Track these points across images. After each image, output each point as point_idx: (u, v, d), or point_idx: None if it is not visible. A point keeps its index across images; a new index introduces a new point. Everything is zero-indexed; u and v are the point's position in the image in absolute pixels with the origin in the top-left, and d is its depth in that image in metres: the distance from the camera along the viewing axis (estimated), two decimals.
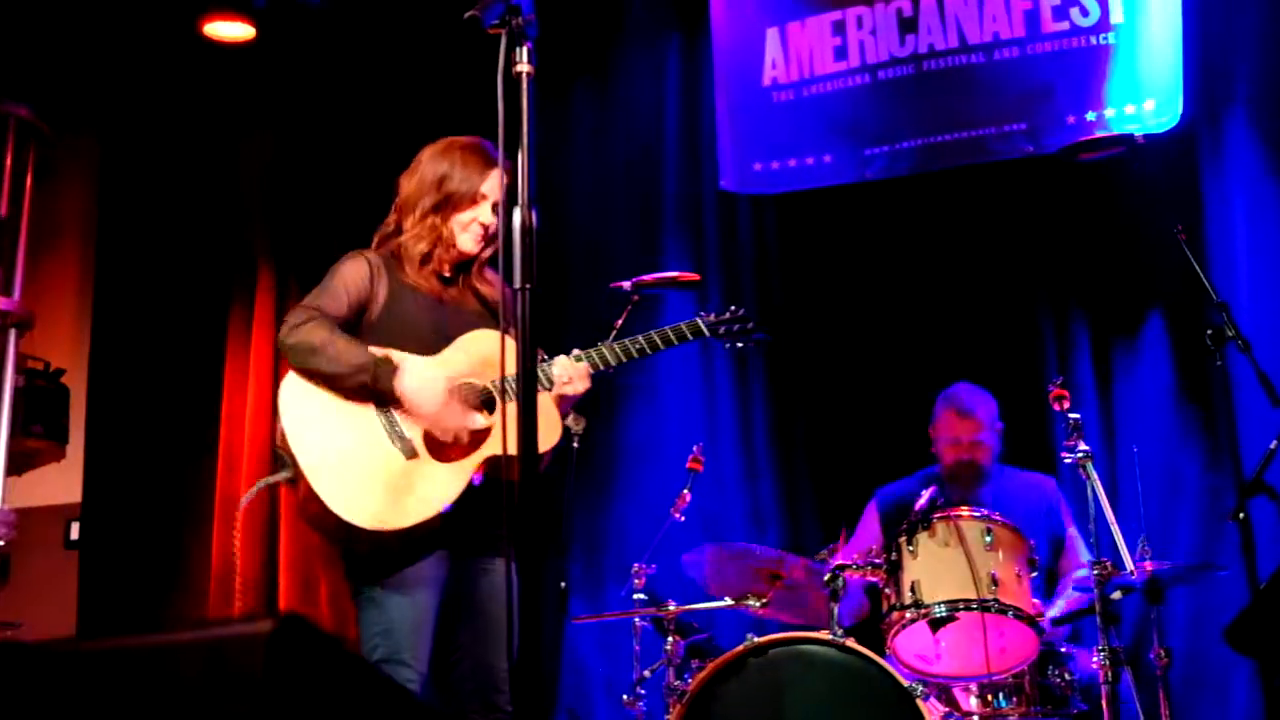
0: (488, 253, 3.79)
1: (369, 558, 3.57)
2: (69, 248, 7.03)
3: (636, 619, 4.81)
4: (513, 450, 3.34)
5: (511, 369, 3.43)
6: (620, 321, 4.48)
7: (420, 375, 3.54)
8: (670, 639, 4.67)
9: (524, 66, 2.62)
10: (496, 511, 3.52)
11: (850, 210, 5.99)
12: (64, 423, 6.57)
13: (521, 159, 2.57)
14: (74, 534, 6.71)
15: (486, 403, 3.59)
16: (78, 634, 6.34)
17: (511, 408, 3.45)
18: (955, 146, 5.78)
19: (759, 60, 6.13)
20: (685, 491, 4.86)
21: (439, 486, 3.53)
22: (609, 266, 5.83)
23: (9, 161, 6.36)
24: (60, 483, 6.69)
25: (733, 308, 3.95)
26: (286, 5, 6.45)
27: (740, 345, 3.96)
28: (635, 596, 4.79)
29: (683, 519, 4.87)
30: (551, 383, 3.62)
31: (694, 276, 4.46)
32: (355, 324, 3.67)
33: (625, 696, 4.75)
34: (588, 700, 5.86)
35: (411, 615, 3.53)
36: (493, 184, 3.70)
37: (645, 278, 4.28)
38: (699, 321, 3.85)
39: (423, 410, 3.53)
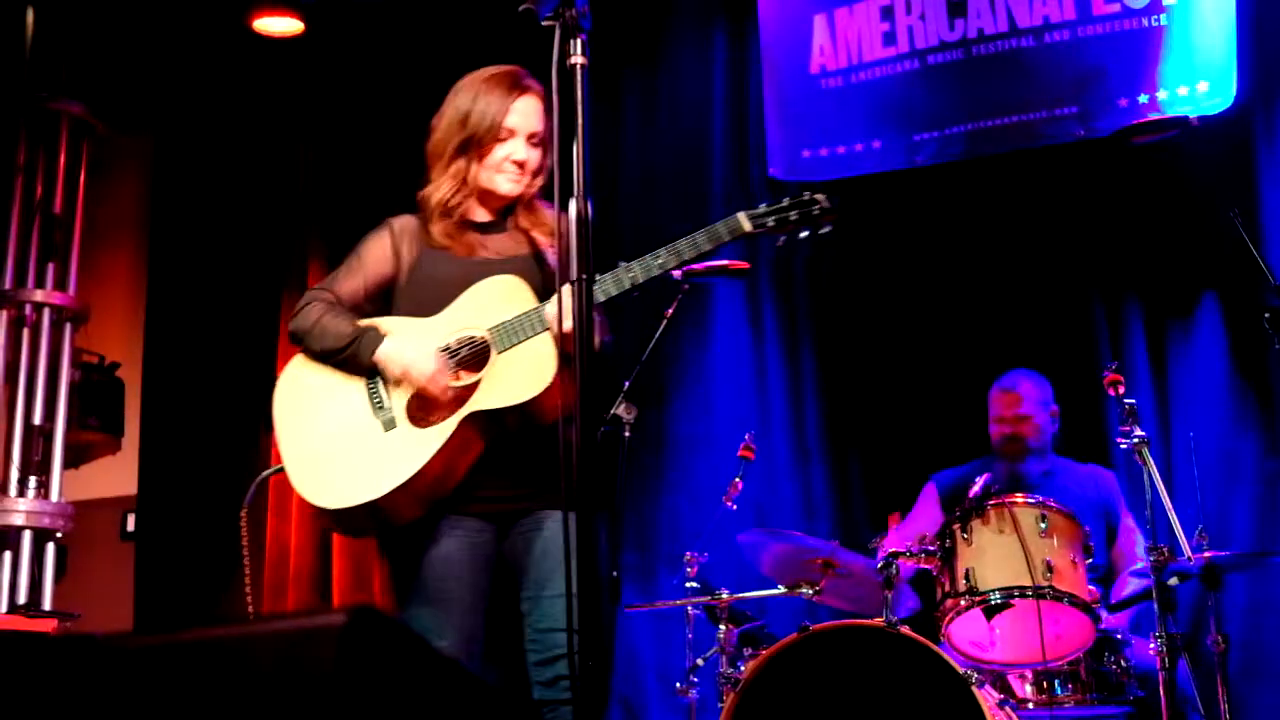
0: (534, 189, 3.49)
1: (388, 539, 3.40)
2: (122, 242, 7.10)
3: (689, 607, 4.81)
4: (506, 402, 3.19)
5: (512, 311, 3.22)
6: (671, 310, 4.49)
7: (398, 340, 3.33)
8: (723, 627, 4.67)
9: (578, 59, 2.62)
10: (527, 471, 3.33)
11: (900, 196, 5.95)
12: (119, 415, 6.66)
13: (576, 151, 2.57)
14: (130, 526, 6.78)
15: (478, 355, 3.32)
16: (137, 626, 6.41)
17: (508, 356, 3.24)
18: (1006, 131, 5.73)
19: (807, 47, 6.11)
20: (737, 479, 4.85)
21: (407, 453, 3.26)
22: None
23: (63, 158, 6.46)
24: (116, 475, 6.77)
25: (789, 198, 3.40)
26: None
27: (804, 234, 3.39)
28: (688, 585, 4.79)
29: (735, 507, 4.87)
30: (544, 323, 3.26)
31: (744, 265, 4.43)
32: (384, 296, 3.49)
33: (678, 684, 4.76)
34: (641, 689, 5.87)
35: (434, 590, 3.30)
36: (521, 115, 3.41)
37: (695, 266, 4.21)
38: (740, 217, 3.35)
39: (400, 374, 3.31)
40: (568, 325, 2.94)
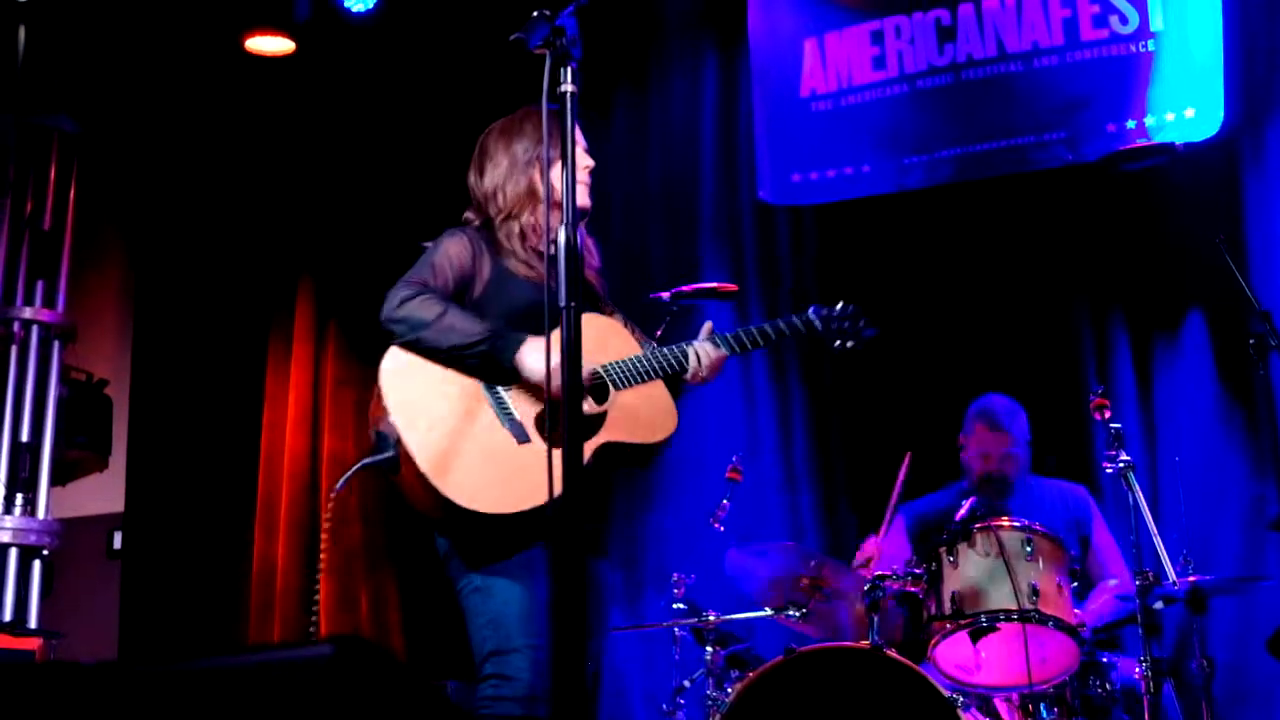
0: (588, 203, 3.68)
1: (472, 547, 3.34)
2: (111, 260, 7.10)
3: (676, 628, 4.82)
4: (644, 439, 3.41)
5: (618, 351, 3.43)
6: (660, 331, 4.50)
7: (541, 351, 3.23)
8: (709, 649, 4.68)
9: (568, 87, 2.63)
10: (595, 506, 3.38)
11: (889, 220, 5.97)
12: (107, 433, 6.64)
13: (566, 178, 2.58)
14: (117, 544, 6.77)
15: (597, 388, 3.41)
16: (122, 644, 6.40)
17: (627, 395, 3.42)
18: (994, 156, 5.76)
19: (797, 71, 6.13)
20: (725, 501, 4.86)
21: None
22: (648, 277, 5.83)
23: (53, 175, 6.44)
24: (103, 493, 6.75)
25: (841, 304, 3.85)
26: (327, 20, 6.48)
27: (851, 345, 3.81)
28: (675, 606, 4.80)
29: (722, 529, 4.87)
30: (685, 369, 3.50)
31: (732, 287, 4.43)
32: (458, 302, 3.48)
33: (664, 706, 4.76)
34: (627, 710, 5.86)
35: (520, 601, 3.28)
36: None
37: (684, 288, 4.24)
38: (812, 317, 3.77)
39: (542, 384, 3.29)
40: (697, 381, 3.52)
